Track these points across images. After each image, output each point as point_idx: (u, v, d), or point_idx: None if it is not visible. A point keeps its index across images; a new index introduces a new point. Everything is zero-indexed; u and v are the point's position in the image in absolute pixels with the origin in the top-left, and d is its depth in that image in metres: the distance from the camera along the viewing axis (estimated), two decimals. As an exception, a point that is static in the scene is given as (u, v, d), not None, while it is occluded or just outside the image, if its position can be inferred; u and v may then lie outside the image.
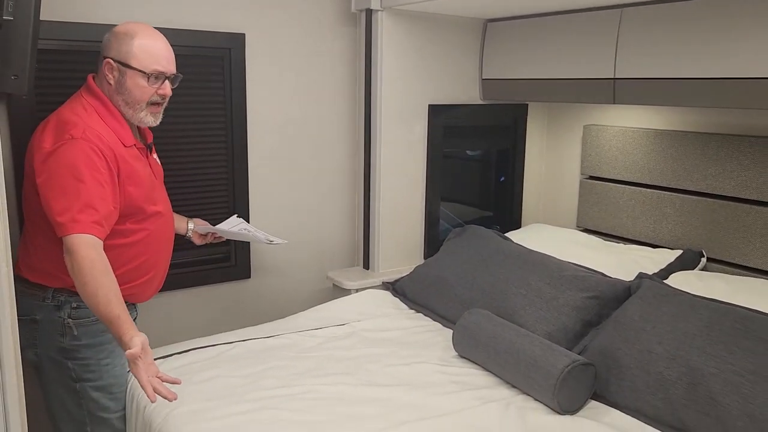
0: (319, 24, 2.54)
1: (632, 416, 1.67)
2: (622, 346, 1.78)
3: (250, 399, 1.72)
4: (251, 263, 2.56)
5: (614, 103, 2.26)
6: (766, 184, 2.16)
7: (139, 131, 1.85)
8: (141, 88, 1.68)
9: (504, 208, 3.07)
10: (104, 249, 1.58)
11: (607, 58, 2.23)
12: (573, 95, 2.43)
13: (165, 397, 1.44)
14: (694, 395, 1.57)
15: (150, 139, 1.89)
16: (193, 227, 2.11)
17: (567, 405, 1.69)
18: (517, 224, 3.05)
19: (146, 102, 1.71)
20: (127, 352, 1.44)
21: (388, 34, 2.51)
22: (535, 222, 3.05)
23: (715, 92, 1.98)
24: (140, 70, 1.67)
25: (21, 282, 1.64)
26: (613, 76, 2.22)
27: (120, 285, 1.58)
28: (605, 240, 2.63)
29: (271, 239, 2.18)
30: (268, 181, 2.54)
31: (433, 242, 2.80)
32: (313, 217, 2.68)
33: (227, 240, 2.22)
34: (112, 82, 1.68)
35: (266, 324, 2.26)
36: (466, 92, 2.77)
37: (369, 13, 2.51)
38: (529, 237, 2.66)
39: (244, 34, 2.37)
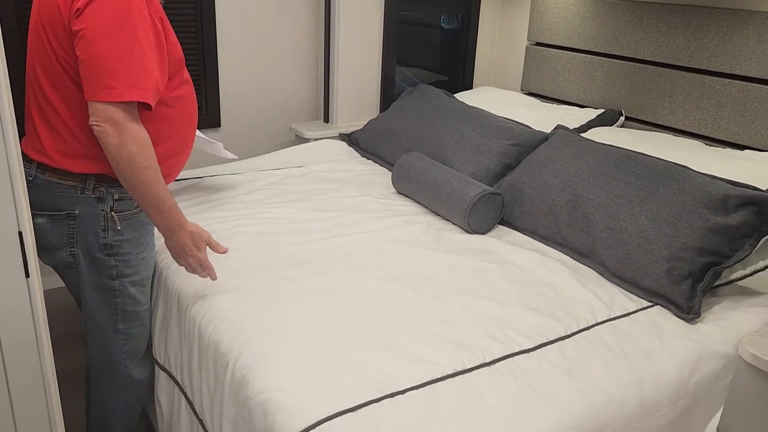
0: None
1: (528, 236, 2.05)
2: (527, 181, 2.11)
3: (212, 216, 2.06)
4: (221, 114, 2.83)
5: (550, -31, 2.45)
6: (678, 48, 2.41)
7: None
8: None
9: (458, 72, 3.31)
10: (150, 120, 1.48)
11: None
12: (517, -39, 2.61)
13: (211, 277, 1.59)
14: (574, 216, 1.93)
15: None
16: None
17: (476, 226, 2.05)
18: (469, 87, 3.31)
19: None
20: (209, 239, 1.53)
21: None
22: (486, 85, 3.30)
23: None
24: None
25: (53, 172, 1.48)
26: (550, -57, 2.40)
27: (162, 163, 1.52)
28: (542, 101, 2.91)
29: (225, 154, 2.20)
30: (236, 37, 2.75)
31: (388, 100, 3.06)
32: (279, 73, 2.92)
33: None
34: None
35: (232, 163, 2.58)
36: (423, -43, 2.93)
37: None
38: (474, 97, 2.94)
39: None
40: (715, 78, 2.32)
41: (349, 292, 1.64)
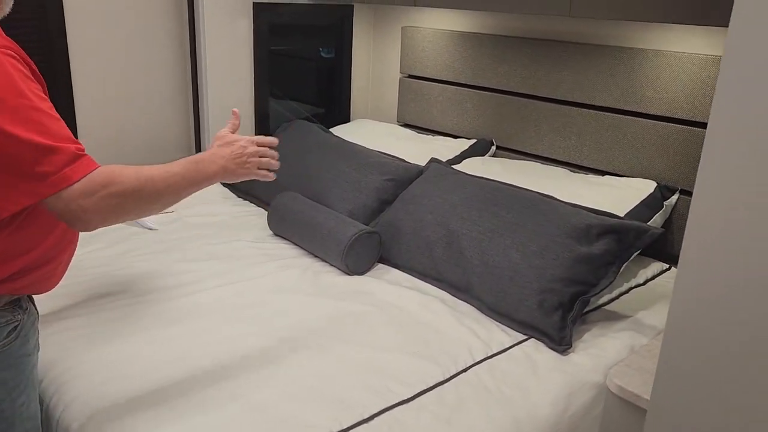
0: None
1: (407, 273, 2.03)
2: (403, 217, 2.11)
3: (65, 276, 1.88)
4: (81, 158, 2.63)
5: (415, 6, 2.49)
6: (540, 81, 2.52)
7: None
8: None
9: (334, 105, 3.29)
10: (20, 227, 1.09)
11: (408, -38, 2.43)
12: (383, -3, 2.63)
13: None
14: (449, 252, 1.93)
15: None
16: None
17: (355, 267, 2.01)
18: (346, 119, 3.29)
19: None
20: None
21: (206, -71, 2.55)
22: (363, 117, 3.31)
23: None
24: None
25: None
26: (413, -20, 2.43)
27: (34, 271, 1.14)
28: (418, 133, 2.94)
29: (152, 226, 2.26)
30: (94, 76, 2.57)
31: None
32: (145, 113, 2.76)
33: None
34: None
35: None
36: (291, -9, 2.89)
37: None
38: (351, 130, 2.92)
39: None
40: (574, 108, 2.43)
41: (223, 352, 1.54)
